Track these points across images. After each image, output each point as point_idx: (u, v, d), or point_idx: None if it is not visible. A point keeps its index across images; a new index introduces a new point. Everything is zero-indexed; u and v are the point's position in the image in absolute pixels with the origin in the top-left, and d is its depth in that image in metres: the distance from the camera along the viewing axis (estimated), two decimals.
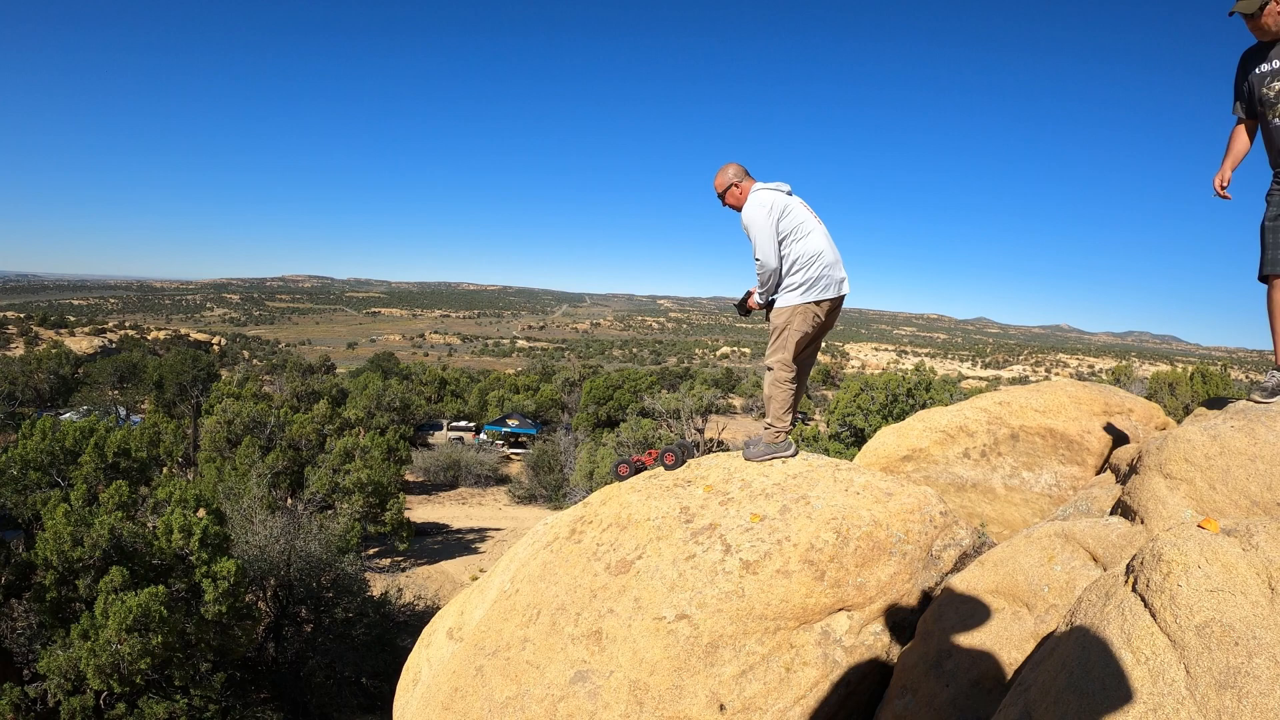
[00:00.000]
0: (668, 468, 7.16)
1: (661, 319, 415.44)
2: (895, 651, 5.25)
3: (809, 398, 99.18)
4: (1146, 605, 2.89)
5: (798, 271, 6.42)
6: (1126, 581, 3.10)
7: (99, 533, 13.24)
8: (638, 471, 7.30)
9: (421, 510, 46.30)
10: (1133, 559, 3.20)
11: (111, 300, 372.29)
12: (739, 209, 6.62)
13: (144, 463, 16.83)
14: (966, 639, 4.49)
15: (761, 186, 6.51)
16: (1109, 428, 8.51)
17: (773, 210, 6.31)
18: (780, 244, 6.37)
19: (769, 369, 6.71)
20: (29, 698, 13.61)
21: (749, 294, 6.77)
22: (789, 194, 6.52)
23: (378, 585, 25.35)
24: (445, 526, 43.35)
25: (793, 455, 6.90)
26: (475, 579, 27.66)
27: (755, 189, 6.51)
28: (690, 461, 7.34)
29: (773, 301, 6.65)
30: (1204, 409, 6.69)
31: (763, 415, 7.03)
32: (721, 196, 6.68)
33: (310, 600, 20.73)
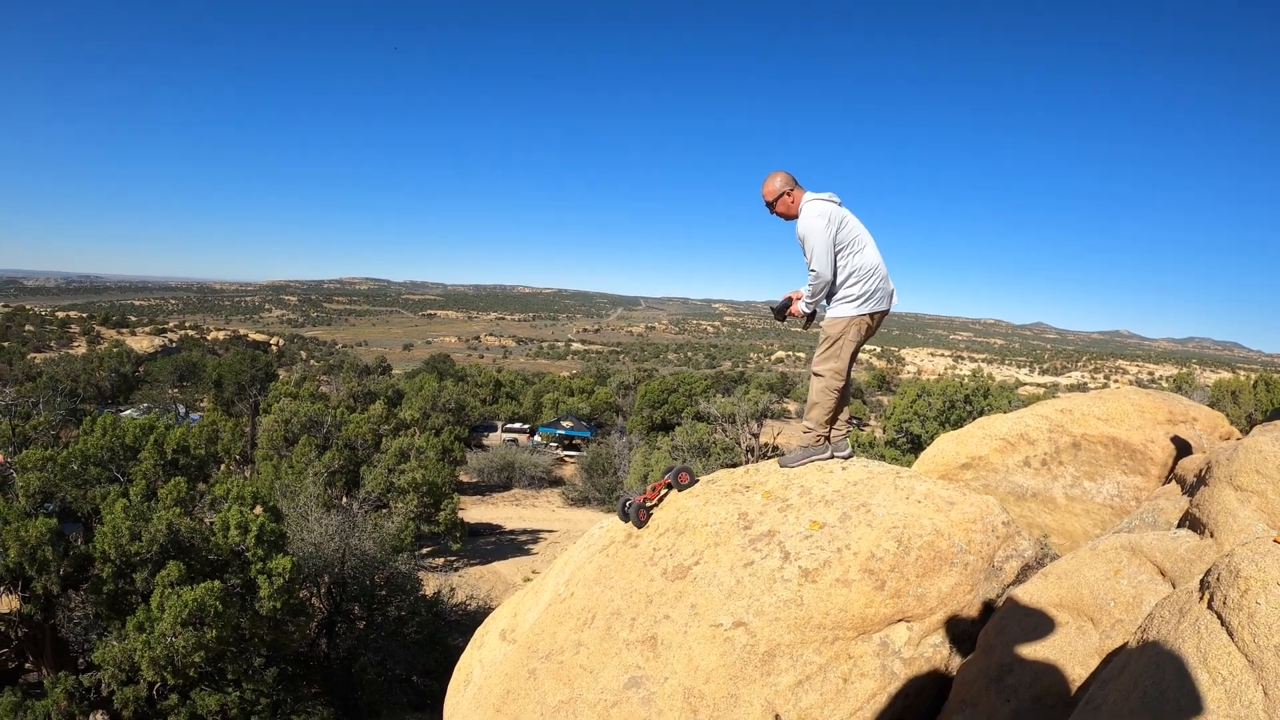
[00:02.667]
0: (683, 487, 7.08)
1: (716, 323, 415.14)
2: (955, 664, 5.16)
3: (864, 404, 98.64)
4: (1223, 623, 2.80)
5: (855, 284, 6.41)
6: (1201, 598, 3.01)
7: (157, 527, 13.39)
8: (644, 508, 7.13)
9: (475, 511, 46.52)
10: (1207, 574, 3.11)
11: (172, 301, 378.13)
12: (789, 218, 6.59)
13: (202, 460, 17.01)
14: (1029, 653, 4.41)
15: (814, 196, 6.43)
16: (1173, 438, 8.35)
17: (830, 221, 6.26)
18: (837, 255, 6.33)
19: (818, 375, 6.68)
20: (83, 686, 13.81)
21: (790, 300, 6.72)
22: (839, 205, 6.46)
23: (430, 584, 25.48)
24: (498, 527, 43.52)
25: (829, 457, 6.88)
26: (528, 580, 27.67)
27: (808, 199, 6.44)
28: (749, 467, 7.26)
29: (814, 312, 6.63)
30: (1271, 420, 6.54)
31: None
32: (771, 205, 6.60)
33: (363, 598, 20.88)
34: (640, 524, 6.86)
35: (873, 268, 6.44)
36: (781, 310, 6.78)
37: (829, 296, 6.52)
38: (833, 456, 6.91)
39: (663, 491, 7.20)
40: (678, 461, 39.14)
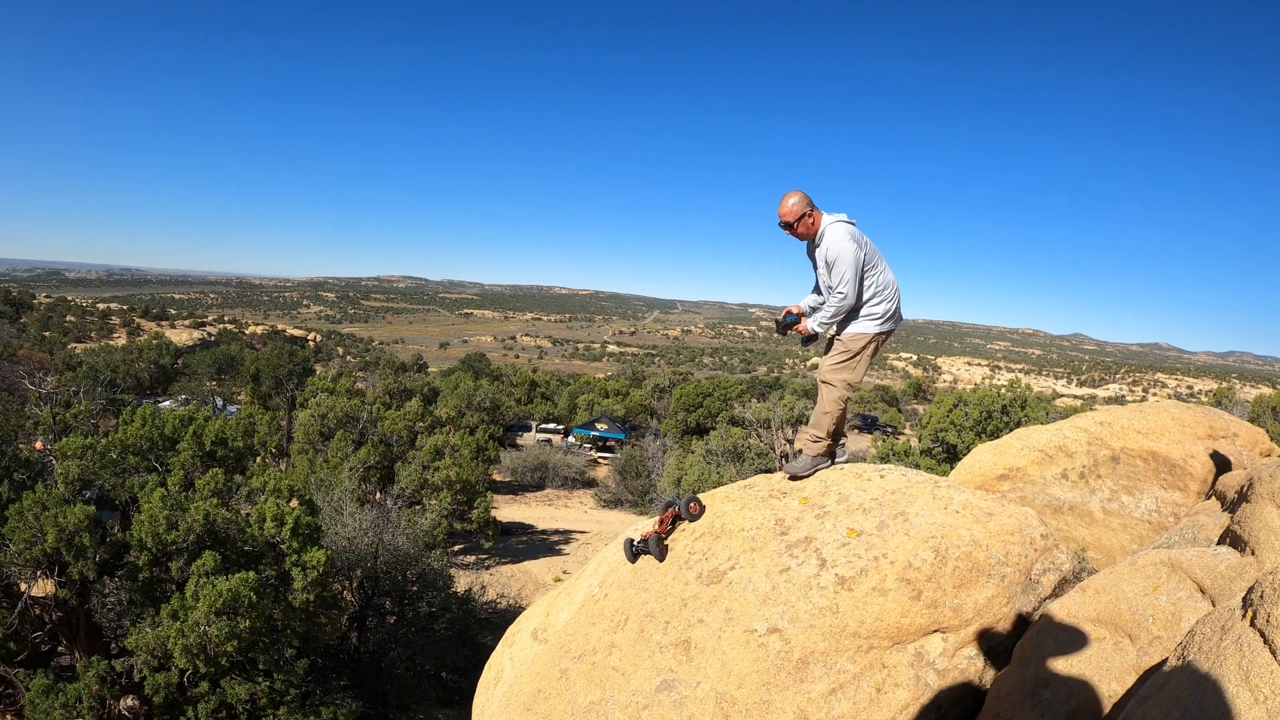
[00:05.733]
0: (694, 517, 7.00)
1: (753, 327, 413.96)
2: (989, 677, 5.13)
3: (900, 412, 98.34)
4: (1266, 641, 2.78)
5: (879, 302, 6.54)
6: (1244, 616, 2.99)
7: (194, 517, 13.51)
8: (661, 540, 7.02)
9: (508, 510, 46.60)
10: (1250, 592, 3.08)
11: (211, 295, 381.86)
12: (807, 238, 6.63)
13: (240, 452, 17.10)
14: (1065, 668, 4.39)
15: (835, 218, 6.49)
16: (1213, 453, 8.27)
17: (860, 244, 6.34)
18: (863, 276, 6.41)
19: (830, 385, 6.74)
20: (115, 671, 13.94)
21: (798, 316, 6.78)
22: (856, 226, 6.49)
23: (462, 582, 25.53)
24: (530, 527, 43.59)
25: (831, 465, 6.96)
26: (559, 580, 27.68)
27: (830, 220, 6.48)
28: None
29: (817, 333, 6.68)
30: None
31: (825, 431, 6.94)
32: (790, 225, 6.55)
33: (395, 593, 20.99)
34: (662, 557, 6.78)
35: (894, 286, 6.62)
36: (786, 325, 6.82)
37: (847, 316, 6.59)
38: (833, 463, 7.03)
39: (669, 525, 7.14)
40: (712, 464, 39.15)
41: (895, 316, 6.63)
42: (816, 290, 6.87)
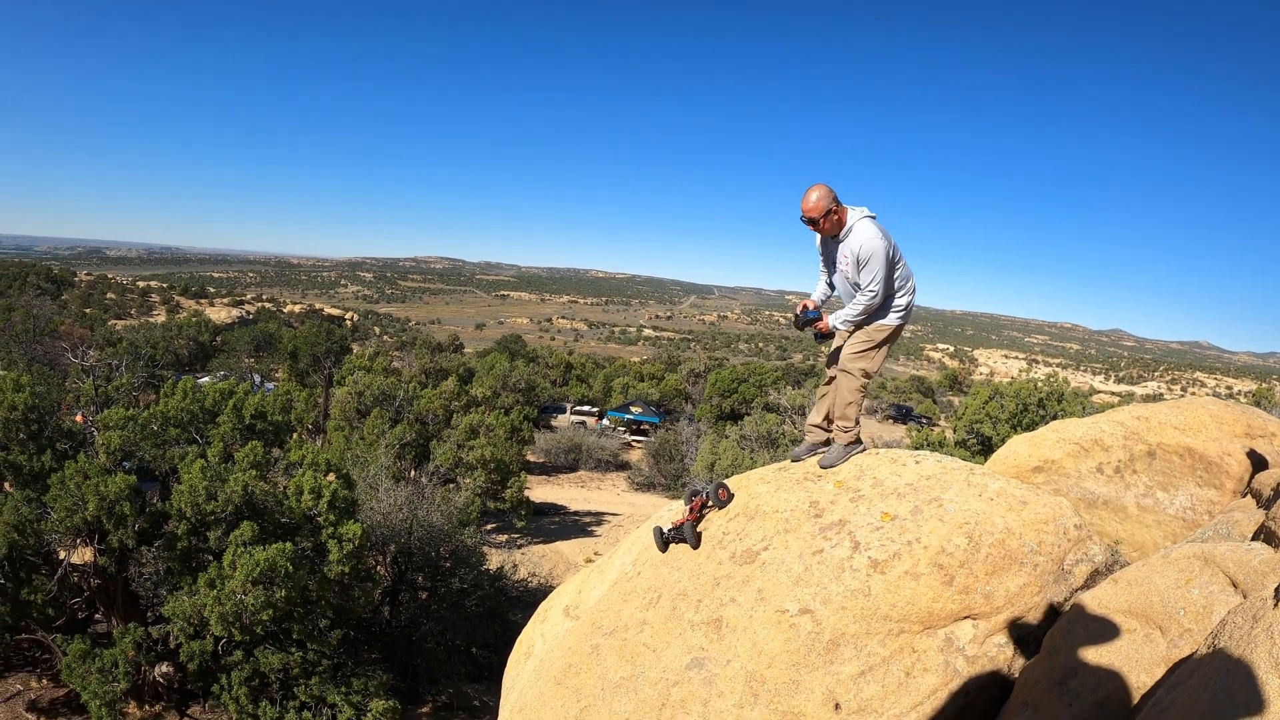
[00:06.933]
0: (722, 504, 6.98)
1: (789, 314, 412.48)
2: (1018, 665, 5.14)
3: (935, 403, 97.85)
4: None
5: (904, 295, 6.54)
6: (1275, 605, 3.01)
7: (233, 489, 13.72)
8: (694, 527, 6.97)
9: (541, 490, 46.75)
10: None
11: (250, 274, 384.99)
12: (833, 234, 6.50)
13: (278, 426, 17.31)
14: (1095, 658, 4.39)
15: (861, 213, 6.38)
16: (1250, 452, 8.21)
17: (890, 242, 6.27)
18: (893, 271, 6.38)
19: (849, 374, 6.70)
20: (151, 638, 14.21)
21: (818, 312, 6.74)
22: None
23: (494, 560, 25.68)
24: (563, 508, 43.71)
25: (864, 450, 6.94)
26: (590, 561, 27.78)
27: (858, 216, 6.36)
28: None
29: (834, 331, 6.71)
30: None
31: (830, 418, 6.96)
32: (815, 221, 6.40)
33: (428, 568, 21.18)
34: (697, 544, 6.72)
35: (913, 280, 6.63)
36: (805, 321, 6.75)
37: (874, 311, 6.56)
38: (866, 449, 7.04)
39: (698, 512, 7.11)
40: (745, 450, 39.07)
41: (911, 309, 6.64)
42: (829, 283, 6.87)
